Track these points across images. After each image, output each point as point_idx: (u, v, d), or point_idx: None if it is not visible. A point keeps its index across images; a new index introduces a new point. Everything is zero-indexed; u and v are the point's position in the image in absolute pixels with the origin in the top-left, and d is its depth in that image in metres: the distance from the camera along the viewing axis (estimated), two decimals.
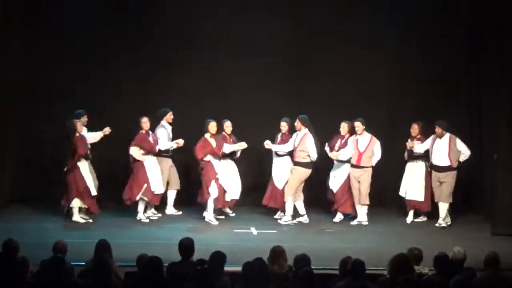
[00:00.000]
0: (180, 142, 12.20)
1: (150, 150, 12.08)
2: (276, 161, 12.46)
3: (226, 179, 12.18)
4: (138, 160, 12.02)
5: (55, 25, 12.93)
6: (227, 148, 12.20)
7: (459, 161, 12.13)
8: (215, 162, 12.08)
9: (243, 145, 12.22)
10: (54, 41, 12.98)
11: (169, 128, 12.45)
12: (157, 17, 13.06)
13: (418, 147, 12.13)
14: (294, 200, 12.20)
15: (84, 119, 12.03)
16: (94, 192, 11.87)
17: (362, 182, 12.17)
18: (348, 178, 12.26)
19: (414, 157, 12.27)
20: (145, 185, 11.97)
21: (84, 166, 11.85)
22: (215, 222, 12.01)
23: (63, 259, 7.20)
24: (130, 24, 12.99)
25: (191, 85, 13.14)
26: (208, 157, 12.06)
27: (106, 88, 13.08)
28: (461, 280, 6.59)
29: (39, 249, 8.68)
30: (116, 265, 7.66)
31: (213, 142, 12.08)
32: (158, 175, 12.13)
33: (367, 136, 12.24)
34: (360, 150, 12.18)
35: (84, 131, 11.98)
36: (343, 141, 12.32)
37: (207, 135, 12.07)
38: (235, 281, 7.07)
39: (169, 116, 12.37)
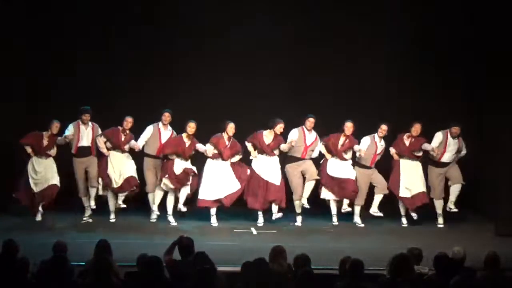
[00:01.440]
0: (135, 145, 12.05)
1: (117, 146, 12.10)
2: (267, 160, 12.15)
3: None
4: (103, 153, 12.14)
5: (55, 25, 12.92)
6: (199, 147, 12.05)
7: None
8: (177, 162, 11.99)
9: (209, 151, 11.98)
10: (54, 41, 12.97)
11: (162, 128, 12.18)
12: (156, 18, 13.04)
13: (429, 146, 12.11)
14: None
15: (85, 117, 12.05)
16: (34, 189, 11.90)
17: (375, 175, 12.25)
18: (353, 173, 12.19)
19: (412, 155, 12.19)
20: (100, 179, 12.11)
21: (38, 162, 11.94)
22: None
23: (65, 259, 7.19)
24: (130, 24, 12.97)
25: (191, 86, 13.10)
26: (174, 156, 12.00)
27: (106, 89, 13.04)
28: (461, 280, 6.58)
29: (39, 249, 8.69)
30: (116, 265, 7.66)
31: (187, 143, 12.00)
32: (116, 171, 12.05)
33: (383, 141, 12.27)
34: (376, 153, 12.21)
35: (83, 129, 12.04)
36: (347, 140, 12.15)
37: (183, 135, 12.03)
38: (235, 281, 7.08)
39: (164, 117, 12.16)
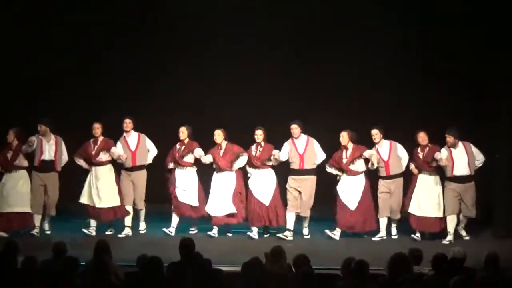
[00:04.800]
0: (120, 155, 11.57)
1: (90, 160, 11.65)
2: (257, 174, 11.75)
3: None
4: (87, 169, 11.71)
5: (55, 26, 12.94)
6: (197, 152, 11.73)
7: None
8: (177, 171, 11.76)
9: (207, 160, 11.70)
10: (54, 42, 13.00)
11: (126, 137, 11.78)
12: (156, 20, 13.05)
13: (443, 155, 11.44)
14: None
15: (39, 127, 11.51)
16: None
17: (394, 194, 11.59)
18: (365, 191, 11.59)
19: (429, 168, 11.55)
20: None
21: (8, 177, 11.45)
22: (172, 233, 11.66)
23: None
24: (130, 24, 12.98)
25: (190, 90, 13.07)
26: (172, 165, 11.77)
27: (105, 91, 13.05)
28: (461, 280, 6.58)
29: (39, 249, 8.72)
30: (116, 265, 7.67)
31: (178, 148, 11.72)
32: (93, 187, 11.60)
33: (386, 143, 11.71)
34: (384, 159, 11.66)
35: (45, 142, 11.53)
36: (348, 152, 11.61)
37: (178, 143, 11.77)
38: (235, 281, 7.10)
39: (124, 125, 11.76)
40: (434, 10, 12.74)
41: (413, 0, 12.85)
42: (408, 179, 11.80)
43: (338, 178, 11.77)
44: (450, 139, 11.44)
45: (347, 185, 11.65)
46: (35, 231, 11.56)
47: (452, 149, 11.48)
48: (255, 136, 11.71)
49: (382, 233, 11.63)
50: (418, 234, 11.57)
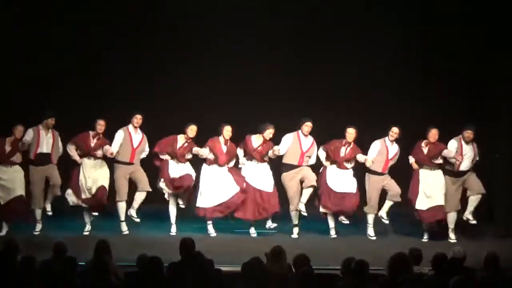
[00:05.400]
0: (107, 150, 11.49)
1: (86, 152, 11.56)
2: (257, 167, 11.71)
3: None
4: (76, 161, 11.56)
5: (55, 26, 12.94)
6: (196, 150, 11.65)
7: None
8: (172, 163, 11.67)
9: (204, 153, 11.59)
10: (54, 42, 12.99)
11: (132, 132, 11.68)
12: (156, 20, 13.06)
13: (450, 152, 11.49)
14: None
15: (51, 120, 11.46)
16: None
17: (391, 184, 11.59)
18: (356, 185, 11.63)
19: (431, 163, 11.55)
20: (69, 190, 11.53)
21: (2, 172, 11.34)
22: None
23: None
24: (130, 24, 12.98)
25: (190, 90, 13.08)
26: (166, 156, 11.67)
27: (104, 91, 13.05)
28: (461, 280, 6.58)
29: (39, 249, 8.71)
30: (116, 265, 7.67)
31: (180, 143, 11.64)
32: (88, 180, 11.51)
33: (395, 144, 11.72)
34: (389, 157, 11.62)
35: (43, 135, 11.45)
36: (348, 149, 11.60)
37: (180, 135, 11.66)
38: (235, 281, 7.10)
39: (136, 120, 11.66)
40: (434, 10, 12.75)
41: (413, 0, 12.87)
42: (404, 173, 11.81)
43: (322, 168, 11.78)
44: (471, 135, 11.44)
45: (337, 177, 11.67)
46: (36, 230, 11.50)
47: (464, 145, 11.48)
48: (266, 133, 11.57)
49: (370, 230, 11.65)
50: (426, 236, 11.57)
